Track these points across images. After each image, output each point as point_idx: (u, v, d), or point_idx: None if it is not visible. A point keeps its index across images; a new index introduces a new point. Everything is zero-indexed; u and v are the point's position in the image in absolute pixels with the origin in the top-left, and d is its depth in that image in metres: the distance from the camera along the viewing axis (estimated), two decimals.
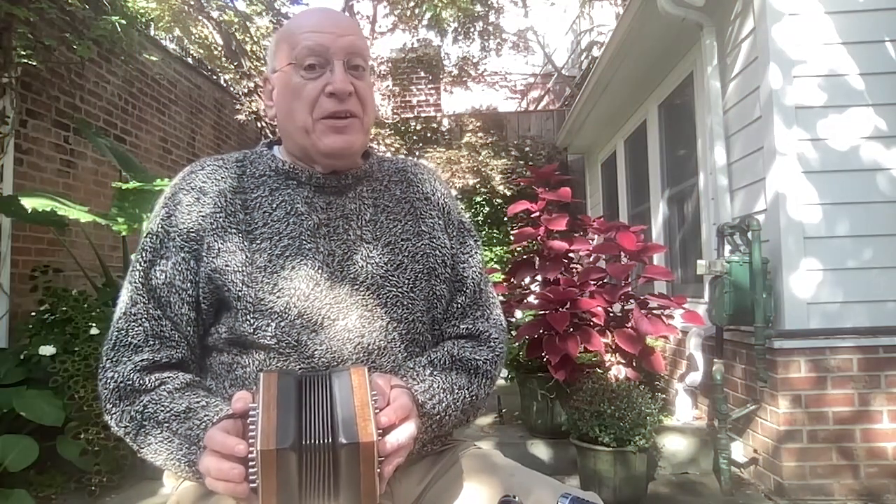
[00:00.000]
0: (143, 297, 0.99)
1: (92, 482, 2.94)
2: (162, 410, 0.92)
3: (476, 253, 1.16)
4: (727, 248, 3.22)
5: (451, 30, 8.41)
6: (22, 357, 3.19)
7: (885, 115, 2.96)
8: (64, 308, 3.31)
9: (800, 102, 2.97)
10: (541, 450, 3.33)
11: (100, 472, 2.95)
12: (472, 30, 8.56)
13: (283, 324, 0.96)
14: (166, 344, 0.98)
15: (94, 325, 3.19)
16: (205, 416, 0.90)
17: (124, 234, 3.68)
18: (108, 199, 3.96)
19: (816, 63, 2.98)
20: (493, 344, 1.10)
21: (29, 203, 3.27)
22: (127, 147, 5.02)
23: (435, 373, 1.00)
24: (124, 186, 3.40)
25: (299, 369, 0.96)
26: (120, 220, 3.52)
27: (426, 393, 0.97)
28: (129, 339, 0.98)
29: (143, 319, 0.98)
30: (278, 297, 0.97)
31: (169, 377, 0.97)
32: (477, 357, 1.07)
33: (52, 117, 4.25)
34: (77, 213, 3.36)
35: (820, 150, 2.96)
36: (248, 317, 0.96)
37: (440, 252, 1.09)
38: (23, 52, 3.83)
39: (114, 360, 0.97)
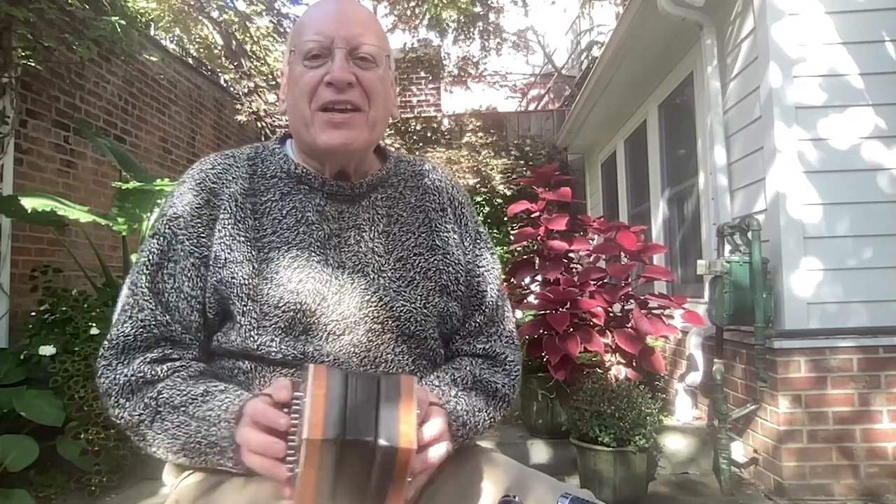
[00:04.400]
0: (151, 303, 0.96)
1: (92, 482, 2.94)
2: (178, 395, 0.90)
3: (493, 268, 1.12)
4: (727, 247, 3.22)
5: (451, 30, 8.41)
6: (22, 357, 3.19)
7: (886, 115, 2.96)
8: (64, 308, 3.31)
9: (800, 102, 2.97)
10: (541, 450, 3.33)
11: (100, 472, 2.95)
12: (472, 30, 8.56)
13: (287, 339, 0.94)
14: (178, 346, 0.96)
15: (94, 325, 3.19)
16: (225, 398, 0.88)
17: (124, 234, 3.69)
18: (108, 199, 3.96)
19: (816, 63, 2.98)
20: (508, 367, 1.08)
21: (29, 203, 3.27)
22: (127, 147, 5.02)
23: (459, 394, 0.99)
24: (124, 186, 3.40)
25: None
26: (120, 220, 3.53)
27: (451, 414, 0.96)
28: (139, 343, 0.94)
29: (152, 326, 0.95)
30: (283, 312, 0.94)
31: (182, 366, 0.94)
32: (496, 380, 1.05)
33: (52, 117, 4.25)
34: (77, 213, 3.36)
35: (820, 150, 2.96)
36: (252, 332, 0.94)
37: (453, 269, 1.05)
38: (23, 52, 3.83)
39: (123, 362, 0.94)
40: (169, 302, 0.96)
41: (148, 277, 0.97)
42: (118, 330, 0.96)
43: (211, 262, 0.97)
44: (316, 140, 0.99)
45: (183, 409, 0.89)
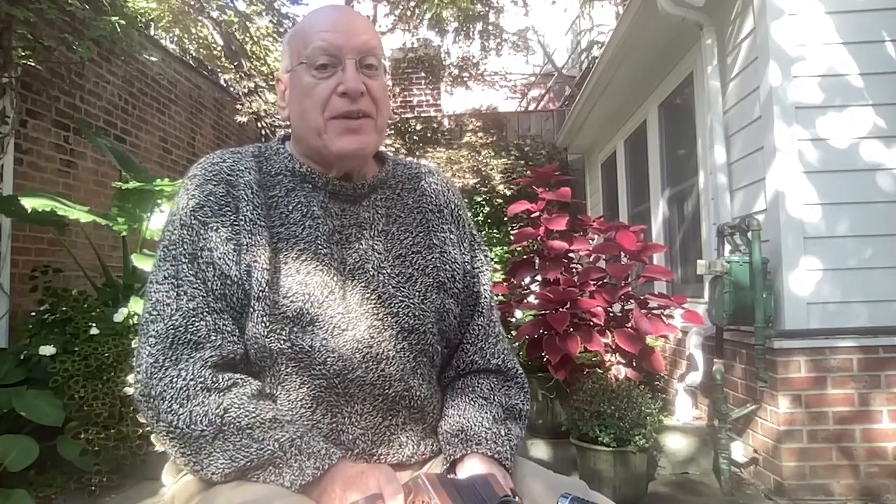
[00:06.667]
0: (201, 291, 0.95)
1: (92, 482, 2.94)
2: (245, 416, 0.90)
3: (486, 269, 1.17)
4: (727, 247, 3.22)
5: (452, 30, 8.41)
6: (22, 357, 3.19)
7: (885, 115, 2.95)
8: (64, 308, 3.30)
9: (800, 102, 2.96)
10: (541, 450, 3.33)
11: (100, 472, 2.95)
12: (472, 30, 8.56)
13: (295, 329, 0.95)
14: (227, 339, 0.95)
15: (94, 325, 3.18)
16: (295, 432, 0.91)
17: (124, 234, 3.69)
18: (108, 199, 3.96)
19: (816, 62, 2.98)
20: (520, 380, 1.13)
21: (29, 203, 3.27)
22: (127, 147, 5.02)
23: (502, 430, 1.02)
24: (124, 186, 3.39)
25: (317, 376, 0.96)
26: (120, 220, 3.53)
27: (504, 455, 0.99)
28: (189, 335, 0.92)
29: (205, 313, 0.94)
30: (292, 302, 0.96)
31: (241, 378, 0.94)
32: (517, 402, 1.10)
33: (52, 117, 4.25)
34: (77, 213, 3.36)
35: (820, 150, 2.96)
36: (264, 318, 0.95)
37: (450, 267, 1.09)
38: (23, 52, 3.83)
39: (173, 359, 0.91)
40: (215, 290, 0.95)
41: (188, 266, 0.96)
42: (166, 323, 0.93)
43: (241, 248, 0.97)
44: (330, 147, 1.01)
45: (249, 431, 0.89)
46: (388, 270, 1.03)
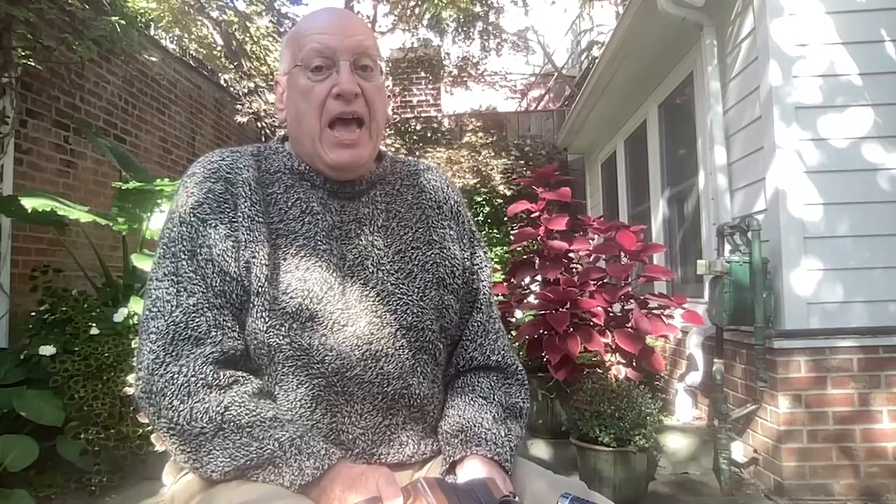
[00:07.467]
0: (201, 286, 0.95)
1: (92, 482, 2.94)
2: (246, 414, 0.90)
3: (486, 266, 1.17)
4: (727, 247, 3.22)
5: (451, 30, 8.42)
6: (22, 357, 3.19)
7: (885, 115, 2.95)
8: (64, 308, 3.30)
9: (800, 102, 2.96)
10: (541, 449, 3.33)
11: (100, 472, 2.95)
12: (471, 30, 8.57)
13: (294, 325, 0.95)
14: (228, 335, 0.95)
15: (94, 325, 3.19)
16: (295, 431, 0.90)
17: (124, 234, 3.68)
18: (108, 199, 3.96)
19: (816, 63, 2.98)
20: (520, 377, 1.12)
21: (29, 203, 3.27)
22: (127, 147, 5.02)
23: (502, 430, 1.02)
24: (124, 186, 3.39)
25: (316, 375, 0.96)
26: (120, 220, 3.53)
27: (507, 454, 0.99)
28: (190, 331, 0.92)
29: (206, 309, 0.94)
30: (291, 298, 0.96)
31: (242, 376, 0.94)
32: (518, 400, 1.09)
33: (52, 117, 4.25)
34: (77, 213, 3.36)
35: (820, 150, 2.96)
36: (263, 314, 0.95)
37: (449, 262, 1.09)
38: (23, 52, 3.83)
39: (174, 354, 0.91)
40: (214, 286, 0.96)
41: (188, 263, 0.96)
42: (166, 320, 0.93)
43: (239, 244, 0.98)
44: (323, 157, 1.02)
45: (249, 429, 0.89)
46: (388, 267, 1.03)
